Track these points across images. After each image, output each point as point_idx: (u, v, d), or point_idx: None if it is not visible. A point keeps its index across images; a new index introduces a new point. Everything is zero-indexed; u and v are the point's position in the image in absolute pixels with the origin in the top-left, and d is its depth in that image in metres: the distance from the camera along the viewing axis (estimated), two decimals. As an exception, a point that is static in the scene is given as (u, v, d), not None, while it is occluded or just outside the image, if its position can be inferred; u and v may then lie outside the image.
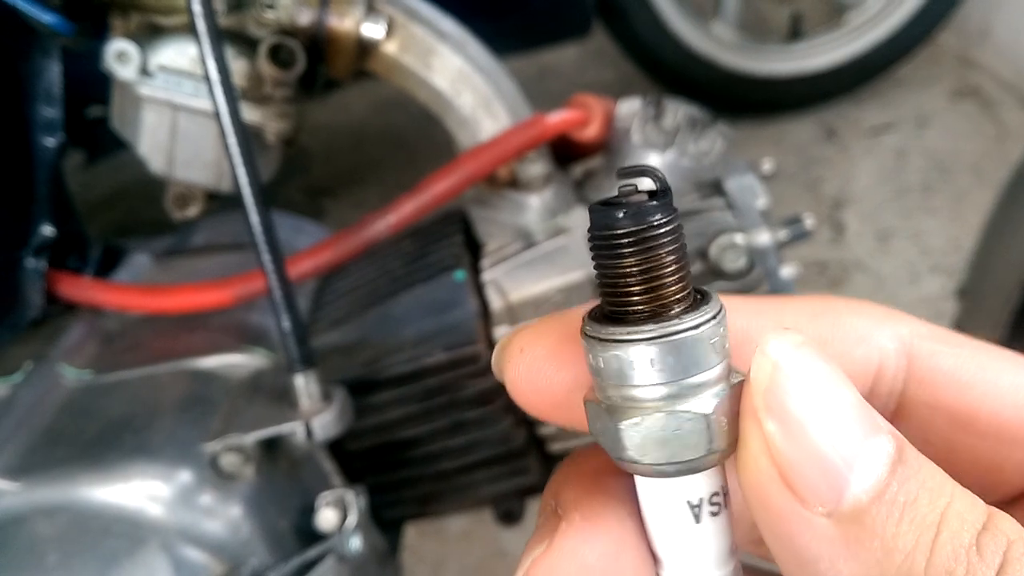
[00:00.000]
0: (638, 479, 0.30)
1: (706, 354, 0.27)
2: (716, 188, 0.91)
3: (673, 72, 2.40)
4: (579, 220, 0.93)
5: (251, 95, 0.92)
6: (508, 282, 0.91)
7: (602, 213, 0.28)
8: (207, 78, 0.75)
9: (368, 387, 0.90)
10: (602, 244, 0.28)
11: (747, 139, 2.48)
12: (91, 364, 0.92)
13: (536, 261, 0.91)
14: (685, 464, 0.28)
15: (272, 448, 0.81)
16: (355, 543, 0.81)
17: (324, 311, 0.99)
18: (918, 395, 0.32)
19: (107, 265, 1.05)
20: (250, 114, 0.92)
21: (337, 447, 0.91)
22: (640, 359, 0.27)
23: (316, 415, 0.80)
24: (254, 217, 0.76)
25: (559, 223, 0.94)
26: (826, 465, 0.25)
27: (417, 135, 2.52)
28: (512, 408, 0.91)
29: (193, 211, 0.99)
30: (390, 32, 0.94)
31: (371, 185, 2.58)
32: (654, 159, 0.93)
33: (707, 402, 0.27)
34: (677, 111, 0.95)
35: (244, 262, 0.93)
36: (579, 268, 0.90)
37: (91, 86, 1.02)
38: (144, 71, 0.91)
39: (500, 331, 0.89)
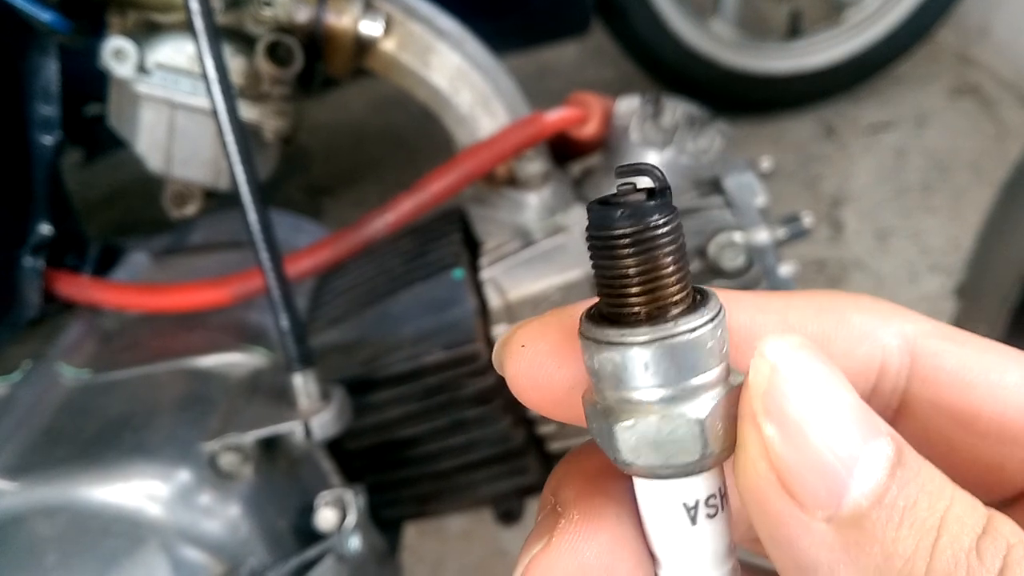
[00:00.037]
0: (635, 480, 0.29)
1: (703, 358, 0.27)
2: (715, 186, 0.91)
3: (672, 70, 2.40)
4: (577, 218, 0.93)
5: (249, 93, 0.92)
6: (507, 280, 0.91)
7: (600, 212, 0.27)
8: (205, 76, 0.75)
9: (367, 386, 0.90)
10: (600, 244, 0.28)
11: (746, 137, 2.47)
12: (90, 363, 0.92)
13: (535, 259, 0.91)
14: (680, 467, 0.27)
15: (271, 447, 0.81)
16: (354, 543, 0.81)
17: (323, 310, 0.99)
18: (921, 393, 0.32)
19: (105, 264, 1.04)
20: (248, 112, 0.92)
21: (336, 446, 0.91)
22: (635, 362, 0.27)
23: (315, 414, 0.80)
24: (252, 215, 0.76)
25: (557, 221, 0.94)
26: (825, 469, 0.25)
27: (416, 134, 2.52)
28: (511, 407, 0.91)
29: (191, 209, 0.98)
30: (388, 30, 0.94)
31: (370, 184, 2.57)
32: (653, 157, 0.93)
33: (703, 406, 0.27)
34: (676, 109, 0.95)
35: (242, 261, 0.93)
36: (578, 267, 0.90)
37: (89, 84, 1.01)
38: (142, 69, 0.90)
39: (499, 329, 0.89)
